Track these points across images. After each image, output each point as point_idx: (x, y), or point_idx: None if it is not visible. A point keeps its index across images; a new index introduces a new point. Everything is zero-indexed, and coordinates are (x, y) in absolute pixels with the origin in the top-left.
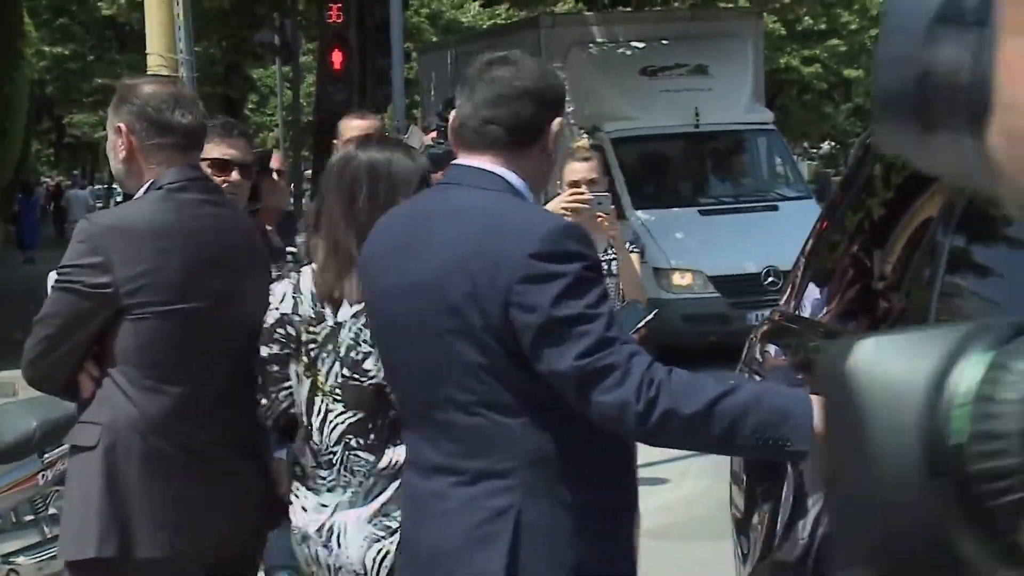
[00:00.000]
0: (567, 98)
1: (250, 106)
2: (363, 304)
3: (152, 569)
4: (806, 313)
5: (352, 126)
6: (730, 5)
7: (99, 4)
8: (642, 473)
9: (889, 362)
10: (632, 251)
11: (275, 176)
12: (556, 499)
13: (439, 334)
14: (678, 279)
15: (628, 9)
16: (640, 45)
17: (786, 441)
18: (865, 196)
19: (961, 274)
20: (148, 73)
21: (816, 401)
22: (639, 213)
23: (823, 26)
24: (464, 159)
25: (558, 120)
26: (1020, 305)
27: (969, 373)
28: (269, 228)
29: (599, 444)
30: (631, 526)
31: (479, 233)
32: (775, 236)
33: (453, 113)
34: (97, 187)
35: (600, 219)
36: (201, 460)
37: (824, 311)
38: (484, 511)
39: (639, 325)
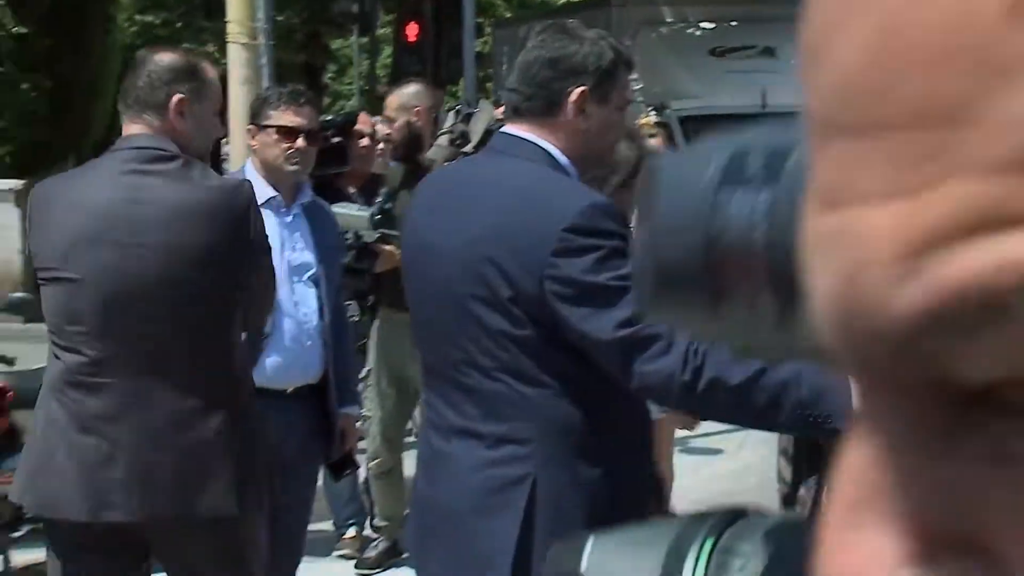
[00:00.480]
0: (634, 76)
1: (329, 75)
2: None
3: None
4: None
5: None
6: None
7: None
8: (698, 443)
9: (614, 566)
10: None
11: (365, 140)
12: (573, 471)
13: (465, 298)
14: None
15: None
16: (709, 26)
17: (827, 418)
18: None
19: None
20: (228, 40)
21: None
22: None
23: None
24: (508, 127)
25: (579, 89)
26: None
27: (697, 567)
28: (352, 191)
29: (619, 419)
30: (646, 503)
31: (515, 205)
32: None
33: None
34: None
35: None
36: (94, 429)
37: None
38: (500, 478)
39: None
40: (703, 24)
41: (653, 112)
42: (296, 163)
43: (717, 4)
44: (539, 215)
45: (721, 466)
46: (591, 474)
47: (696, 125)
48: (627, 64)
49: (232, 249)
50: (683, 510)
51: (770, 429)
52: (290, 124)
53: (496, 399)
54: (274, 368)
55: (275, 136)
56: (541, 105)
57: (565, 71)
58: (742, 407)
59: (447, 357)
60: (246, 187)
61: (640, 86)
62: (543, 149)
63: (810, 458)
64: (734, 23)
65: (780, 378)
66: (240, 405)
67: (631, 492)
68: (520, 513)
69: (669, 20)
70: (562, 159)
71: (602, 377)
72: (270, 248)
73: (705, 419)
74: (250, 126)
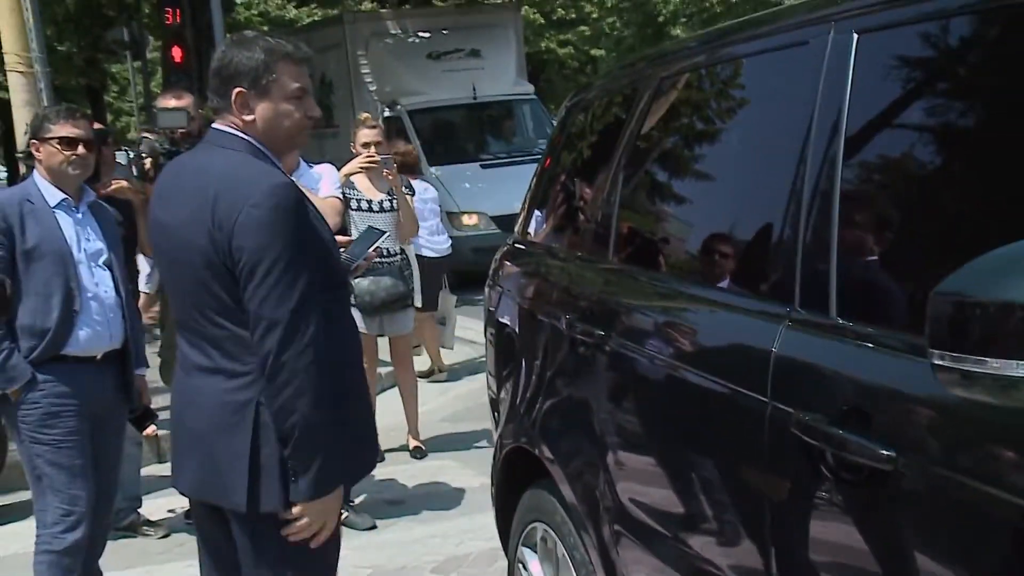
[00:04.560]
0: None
1: (112, 95)
2: None
3: None
4: (531, 231)
5: (169, 104)
6: (496, 1)
7: None
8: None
9: None
10: (407, 194)
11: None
12: None
13: (188, 264)
14: (466, 220)
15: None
16: (426, 34)
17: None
18: (575, 139)
19: (631, 197)
20: (7, 69)
21: None
22: (433, 169)
23: (573, 15)
24: (215, 123)
25: (236, 90)
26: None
27: None
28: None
29: (333, 344)
30: (360, 411)
31: (216, 186)
32: None
33: None
34: None
35: (385, 173)
36: None
37: (542, 228)
38: (231, 403)
39: (370, 247)
40: (420, 33)
41: (386, 109)
42: (78, 168)
43: (431, 16)
44: (231, 193)
45: (462, 388)
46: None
47: (422, 116)
48: (289, 59)
49: None
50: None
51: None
52: (69, 135)
53: (223, 340)
54: (86, 338)
55: (57, 146)
56: (222, 105)
57: (225, 77)
58: (313, 402)
59: (185, 311)
60: None
61: (374, 87)
62: (243, 139)
63: (505, 370)
64: (446, 31)
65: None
66: None
67: (345, 407)
68: (248, 430)
69: (393, 31)
70: (259, 145)
71: (314, 313)
72: None
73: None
74: (33, 140)
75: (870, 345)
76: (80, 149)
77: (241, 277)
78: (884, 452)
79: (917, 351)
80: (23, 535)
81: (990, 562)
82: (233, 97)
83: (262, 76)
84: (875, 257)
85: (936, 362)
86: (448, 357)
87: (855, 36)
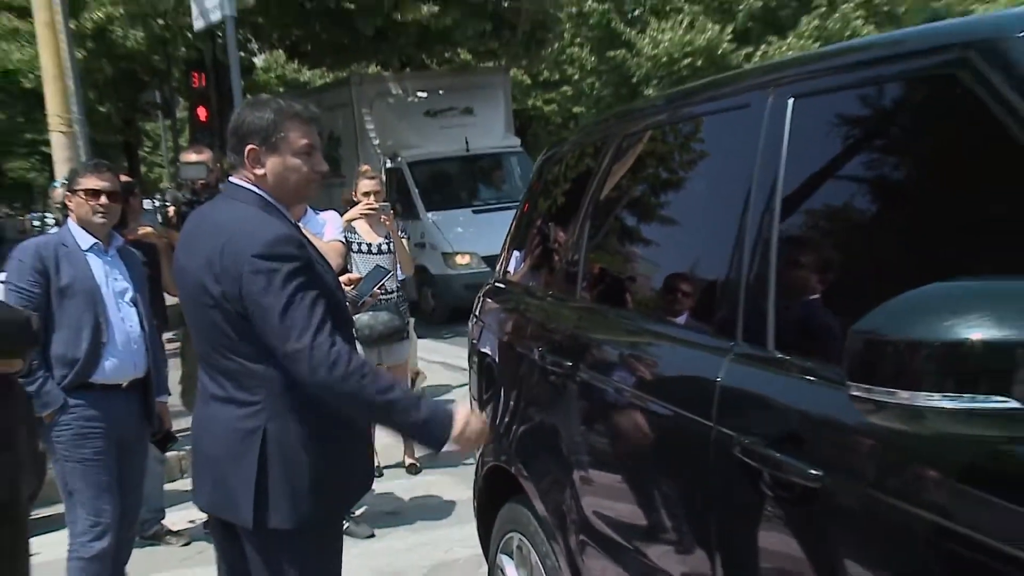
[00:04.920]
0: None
1: (146, 150)
2: None
3: None
4: (510, 271)
5: (191, 158)
6: (490, 64)
7: (22, 80)
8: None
9: None
10: (402, 236)
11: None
12: (296, 418)
13: (203, 306)
14: (459, 259)
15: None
16: (424, 95)
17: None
18: (549, 187)
19: (598, 242)
20: (50, 129)
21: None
22: (429, 214)
23: (557, 77)
24: (232, 178)
25: (248, 147)
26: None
27: None
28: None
29: None
30: (356, 439)
31: (224, 238)
32: None
33: None
34: (32, 215)
35: (384, 218)
36: None
37: (520, 268)
38: (241, 430)
39: (376, 285)
40: (419, 93)
41: (388, 160)
42: (103, 217)
43: (429, 78)
44: (236, 244)
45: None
46: (306, 421)
47: (421, 167)
48: (297, 118)
49: None
50: None
51: (383, 425)
52: (95, 187)
53: (235, 373)
54: (112, 368)
55: (84, 197)
56: (237, 161)
57: (240, 136)
58: (368, 407)
59: (203, 346)
60: None
61: (377, 141)
62: (254, 192)
63: (486, 395)
64: (442, 91)
65: (397, 392)
66: None
67: (344, 436)
68: (255, 456)
69: (395, 92)
70: (269, 198)
71: None
72: None
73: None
74: (67, 193)
75: (803, 376)
76: (104, 200)
77: (255, 320)
78: (813, 472)
79: (842, 382)
80: (61, 543)
81: (905, 568)
82: (246, 153)
83: (272, 134)
84: (808, 297)
85: (853, 393)
86: (439, 380)
87: (791, 100)
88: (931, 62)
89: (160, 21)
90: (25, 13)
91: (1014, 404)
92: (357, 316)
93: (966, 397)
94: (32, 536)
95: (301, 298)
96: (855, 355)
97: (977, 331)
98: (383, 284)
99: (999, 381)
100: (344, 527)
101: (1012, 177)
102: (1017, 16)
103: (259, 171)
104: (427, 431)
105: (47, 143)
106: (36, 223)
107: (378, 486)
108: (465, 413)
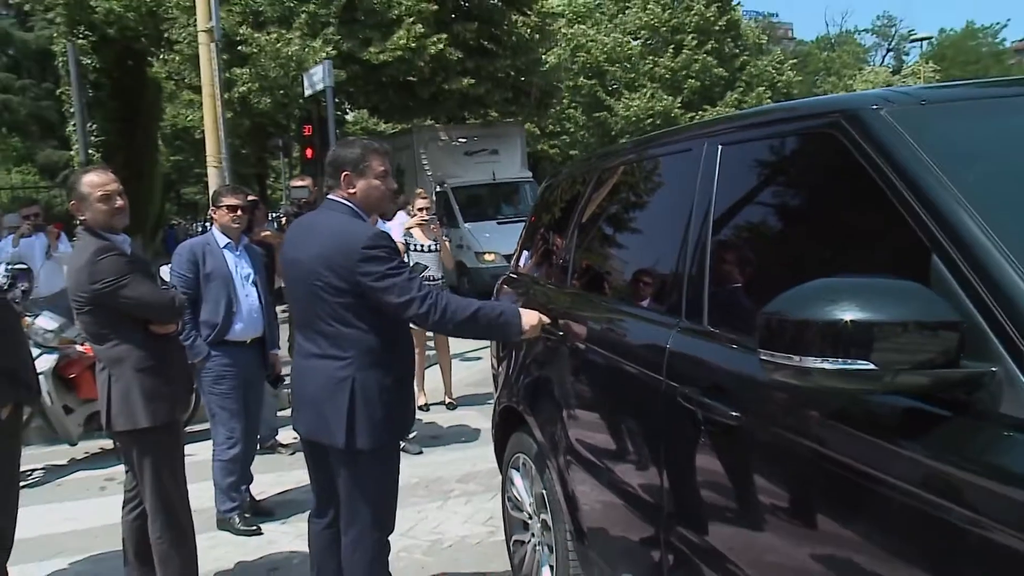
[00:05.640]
0: (425, 165)
1: (271, 180)
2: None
3: None
4: (521, 265)
5: (297, 183)
6: (511, 120)
7: (194, 133)
8: (470, 354)
9: None
10: (446, 240)
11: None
12: (376, 371)
13: (312, 285)
14: (487, 257)
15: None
16: (463, 140)
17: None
18: (549, 205)
19: (584, 245)
20: (208, 165)
21: (523, 310)
22: (466, 224)
23: (558, 129)
24: (330, 195)
25: (344, 173)
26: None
27: None
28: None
29: (398, 344)
30: (411, 386)
31: (332, 236)
32: None
33: None
34: (197, 224)
35: (433, 227)
36: None
37: (527, 263)
38: (336, 378)
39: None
40: (460, 139)
41: (438, 186)
42: (237, 224)
43: (467, 129)
44: (346, 241)
45: (481, 365)
46: (383, 373)
47: (460, 191)
48: (376, 152)
49: None
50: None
51: (478, 336)
52: (231, 203)
53: (333, 336)
54: (240, 330)
55: (225, 211)
56: (334, 184)
57: (336, 166)
58: (463, 327)
59: (305, 316)
60: None
61: (430, 172)
62: (347, 205)
63: (503, 352)
64: (476, 137)
65: (478, 308)
66: None
67: (405, 381)
68: (347, 397)
69: (443, 138)
70: (358, 209)
71: (388, 323)
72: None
73: (452, 336)
74: (212, 207)
75: (728, 344)
76: (238, 212)
77: (376, 289)
78: (733, 413)
79: (755, 349)
80: (208, 449)
81: (795, 481)
82: (341, 178)
83: (360, 163)
84: (732, 287)
85: (763, 357)
86: (469, 345)
87: (720, 146)
88: (816, 123)
89: (282, 92)
90: (198, 90)
91: (871, 366)
92: None
93: (840, 360)
94: (187, 443)
95: (401, 271)
96: (764, 329)
97: (848, 313)
98: (430, 273)
99: (863, 349)
100: (401, 447)
101: (870, 203)
102: (873, 95)
103: (351, 190)
104: (507, 324)
105: (206, 174)
106: (200, 229)
107: (425, 417)
108: (527, 311)
